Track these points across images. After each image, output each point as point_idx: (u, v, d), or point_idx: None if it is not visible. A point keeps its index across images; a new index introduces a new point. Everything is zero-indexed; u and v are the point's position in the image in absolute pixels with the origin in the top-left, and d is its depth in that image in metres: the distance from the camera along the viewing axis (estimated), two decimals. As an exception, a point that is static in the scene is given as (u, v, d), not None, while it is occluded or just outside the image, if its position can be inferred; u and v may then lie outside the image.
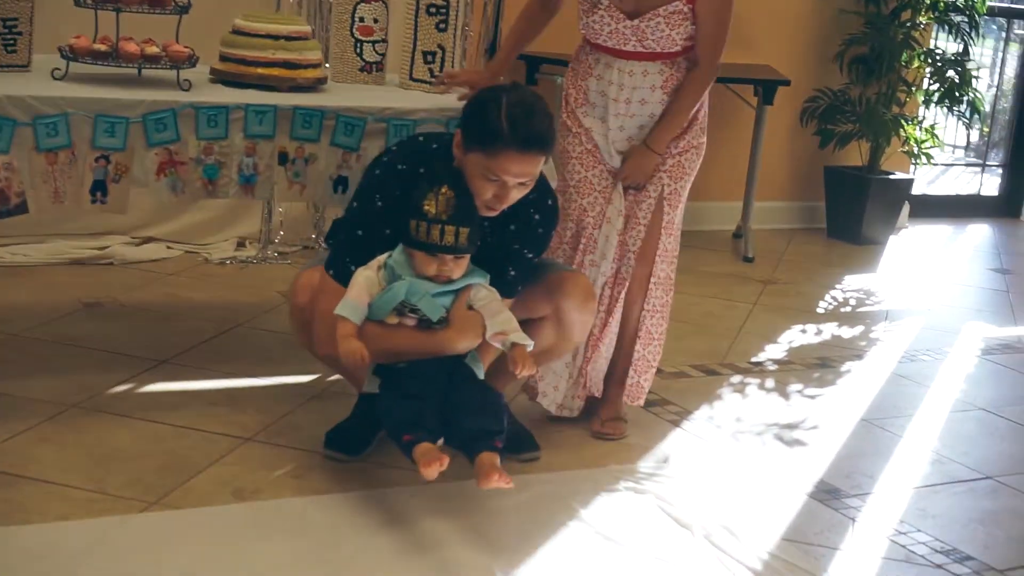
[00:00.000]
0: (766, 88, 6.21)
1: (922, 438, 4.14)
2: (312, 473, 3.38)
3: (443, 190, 3.05)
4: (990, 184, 8.48)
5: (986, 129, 8.39)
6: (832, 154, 7.03)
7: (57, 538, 2.89)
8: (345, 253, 3.24)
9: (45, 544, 2.84)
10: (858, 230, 7.00)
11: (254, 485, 3.27)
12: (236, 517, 3.12)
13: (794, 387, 4.51)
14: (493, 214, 3.22)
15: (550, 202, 3.41)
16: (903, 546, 3.33)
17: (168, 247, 5.34)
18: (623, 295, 3.76)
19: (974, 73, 6.99)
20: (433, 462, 2.91)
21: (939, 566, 3.23)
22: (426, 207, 3.04)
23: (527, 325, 3.34)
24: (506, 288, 3.30)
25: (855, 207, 7.01)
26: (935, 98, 6.94)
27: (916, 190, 7.64)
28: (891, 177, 7.07)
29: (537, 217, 3.36)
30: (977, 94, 6.98)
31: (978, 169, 8.51)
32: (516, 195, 3.20)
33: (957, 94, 6.91)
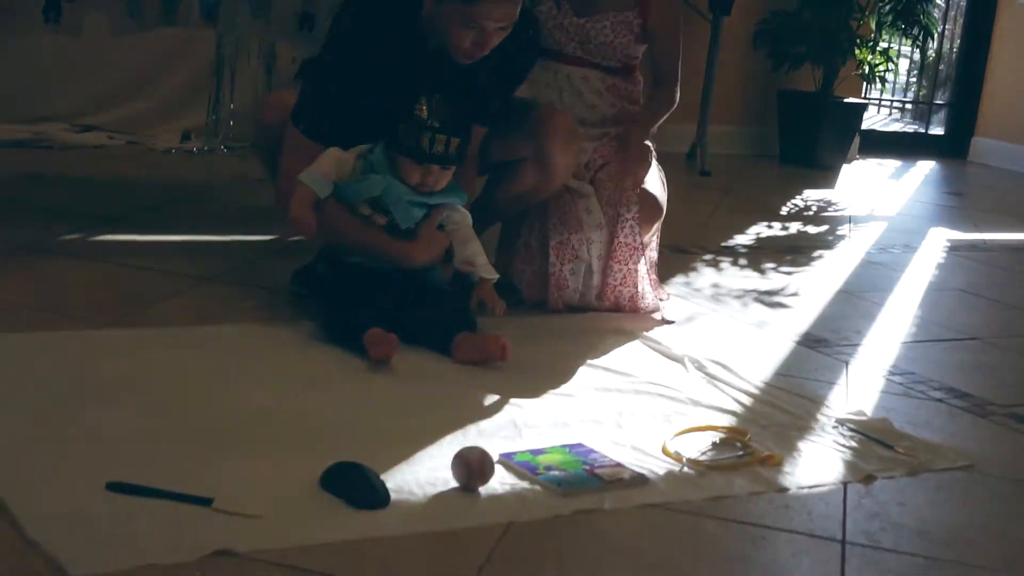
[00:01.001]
0: (723, -3, 6.07)
1: (903, 307, 4.02)
2: (281, 308, 3.17)
3: (436, 96, 2.89)
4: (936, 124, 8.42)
5: (932, 56, 8.32)
6: (786, 78, 6.92)
7: (15, 345, 2.66)
8: (314, 108, 3.03)
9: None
10: (812, 155, 6.90)
11: (220, 313, 3.06)
12: (203, 334, 2.91)
13: (768, 265, 4.39)
14: (471, 61, 3.04)
15: (531, 32, 3.25)
16: (899, 383, 3.20)
17: (109, 136, 5.08)
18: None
19: (928, -6, 6.91)
20: (385, 344, 2.76)
21: (938, 400, 3.09)
22: (417, 111, 2.88)
23: (510, 167, 3.18)
24: (489, 122, 3.15)
25: (809, 132, 6.91)
26: (888, 19, 6.84)
27: (864, 125, 7.57)
28: (845, 101, 6.97)
29: (514, 50, 3.18)
30: (931, 17, 6.90)
31: (923, 111, 8.44)
32: (496, 40, 3.02)
33: (910, 17, 6.80)
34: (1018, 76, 7.81)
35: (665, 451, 2.50)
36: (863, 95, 7.43)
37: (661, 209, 3.51)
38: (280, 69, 5.07)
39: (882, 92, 7.97)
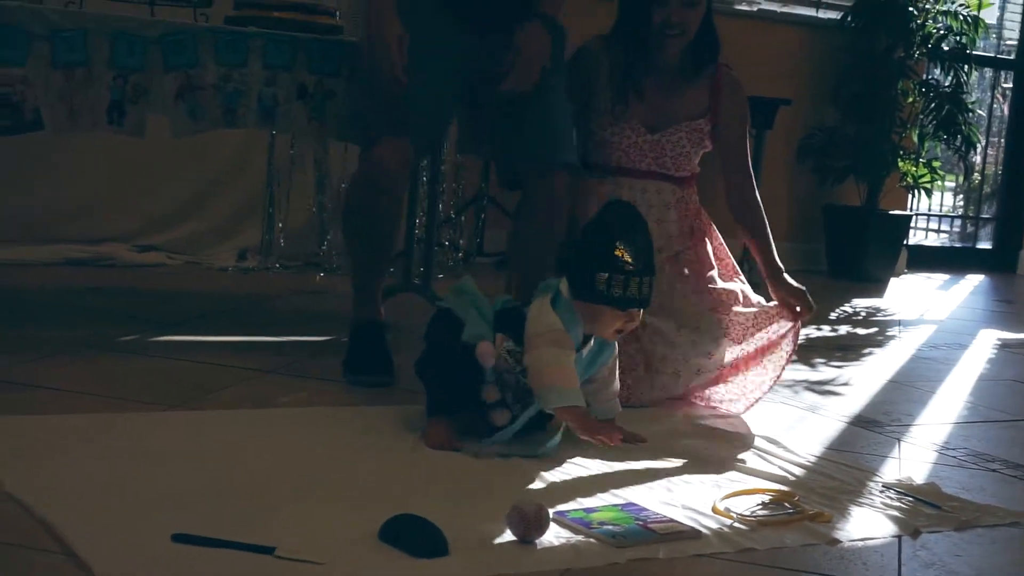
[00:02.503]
0: (766, 109, 6.17)
1: (955, 394, 4.02)
2: (339, 395, 3.23)
3: (639, 240, 2.73)
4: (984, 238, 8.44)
5: (977, 179, 8.38)
6: (830, 193, 7.00)
7: (81, 424, 2.73)
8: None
9: (64, 429, 2.69)
10: (860, 268, 6.94)
11: (277, 401, 3.12)
12: (261, 415, 2.97)
13: (818, 360, 4.41)
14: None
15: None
16: (953, 456, 3.20)
17: (169, 256, 5.21)
18: None
19: (969, 104, 6.99)
20: (447, 443, 2.77)
21: (992, 470, 3.10)
22: (622, 259, 2.71)
23: None
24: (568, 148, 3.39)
25: (856, 245, 6.95)
26: (930, 130, 6.92)
27: (912, 240, 7.61)
28: (891, 213, 7.03)
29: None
30: (972, 127, 6.98)
31: (971, 223, 8.47)
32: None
33: (952, 127, 6.89)
34: (1063, 187, 7.86)
35: (715, 510, 2.52)
36: (909, 208, 7.47)
37: None
38: (332, 184, 5.22)
39: (930, 207, 8.03)
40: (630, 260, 2.71)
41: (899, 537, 2.49)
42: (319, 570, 2.03)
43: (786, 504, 2.60)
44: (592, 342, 2.85)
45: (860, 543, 2.44)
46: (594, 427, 2.74)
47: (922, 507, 2.68)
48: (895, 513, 2.62)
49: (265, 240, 5.28)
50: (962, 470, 3.08)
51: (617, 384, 2.99)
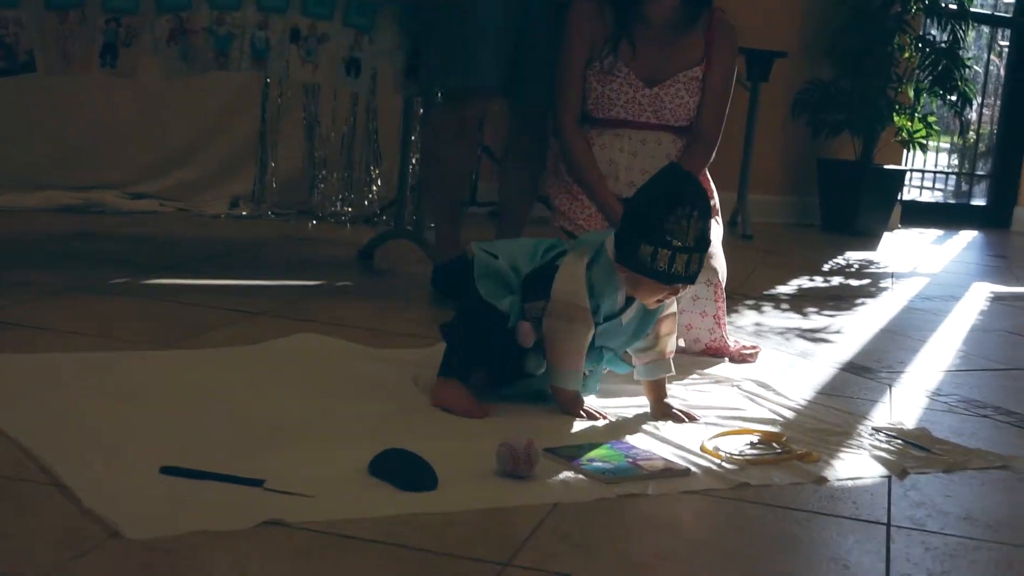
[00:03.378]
0: (762, 61, 6.15)
1: (947, 343, 4.03)
2: (332, 333, 3.21)
3: (694, 214, 2.56)
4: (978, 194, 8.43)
5: (972, 138, 8.36)
6: (825, 146, 6.98)
7: (75, 362, 2.73)
8: None
9: (55, 367, 2.70)
10: (853, 223, 6.92)
11: (270, 339, 3.11)
12: (255, 352, 2.97)
13: (810, 309, 4.40)
14: None
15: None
16: (944, 402, 3.20)
17: (160, 204, 5.19)
18: None
19: (966, 61, 6.96)
20: (474, 411, 2.65)
21: (984, 416, 3.10)
22: (672, 233, 2.55)
23: None
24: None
25: (849, 200, 6.94)
26: (926, 85, 6.90)
27: (906, 197, 7.59)
28: (885, 168, 7.01)
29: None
30: (968, 83, 6.96)
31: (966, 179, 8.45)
32: None
33: (948, 83, 6.86)
34: (1058, 144, 7.84)
35: (704, 449, 2.52)
36: (903, 163, 7.46)
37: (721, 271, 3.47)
38: (322, 132, 5.20)
39: (924, 163, 8.01)
40: (679, 235, 2.55)
41: (888, 478, 2.49)
42: (308, 503, 2.03)
43: (774, 444, 2.60)
44: (636, 306, 2.71)
45: (849, 483, 2.44)
46: (574, 410, 2.70)
47: (911, 450, 2.68)
48: (884, 455, 2.62)
49: (257, 187, 5.26)
50: (953, 415, 3.08)
51: (670, 345, 2.80)
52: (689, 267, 2.58)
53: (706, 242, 2.61)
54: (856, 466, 2.53)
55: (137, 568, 1.73)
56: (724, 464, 2.45)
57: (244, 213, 5.19)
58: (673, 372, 2.80)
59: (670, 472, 2.36)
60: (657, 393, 2.77)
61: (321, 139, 5.17)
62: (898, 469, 2.54)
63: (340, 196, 5.36)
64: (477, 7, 3.53)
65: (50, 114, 4.94)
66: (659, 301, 2.69)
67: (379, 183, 5.38)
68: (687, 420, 2.73)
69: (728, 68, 3.58)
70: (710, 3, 3.57)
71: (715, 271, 3.37)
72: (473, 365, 2.72)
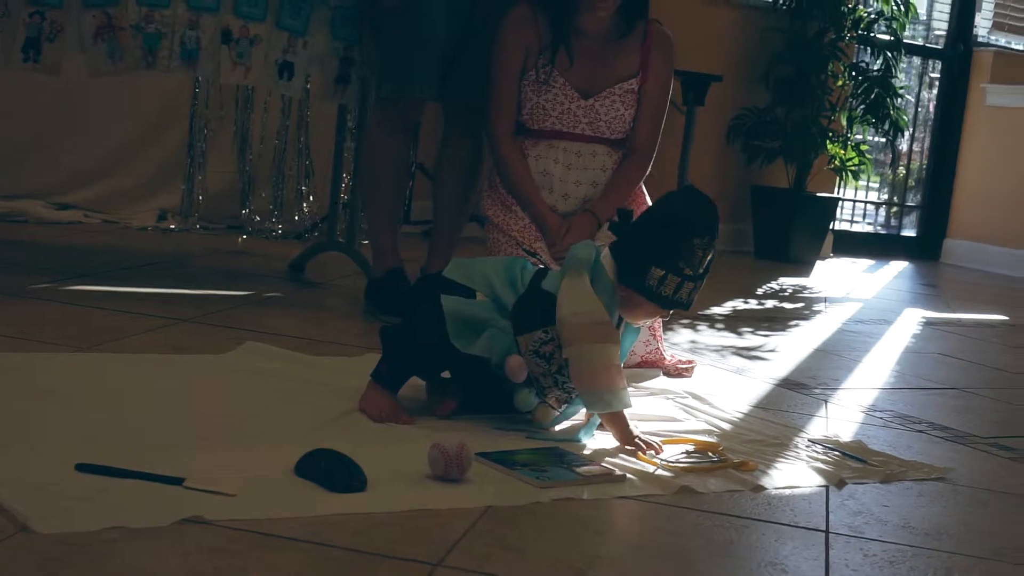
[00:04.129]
0: (698, 84, 6.13)
1: (882, 362, 4.01)
2: (262, 342, 3.12)
3: (710, 243, 2.51)
4: (908, 226, 8.48)
5: (903, 171, 8.41)
6: (759, 174, 6.99)
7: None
8: None
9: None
10: (786, 250, 6.93)
11: (194, 347, 3.02)
12: (176, 360, 2.87)
13: (744, 329, 4.37)
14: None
15: None
16: (880, 418, 3.17)
17: (85, 215, 5.08)
18: None
19: (898, 89, 7.00)
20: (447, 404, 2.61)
21: (919, 431, 3.07)
22: (685, 264, 2.49)
23: None
24: None
25: (783, 227, 6.95)
26: (859, 114, 6.94)
27: (838, 227, 7.62)
28: (818, 195, 7.03)
29: None
30: (900, 111, 7.00)
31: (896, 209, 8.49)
32: None
33: (880, 111, 6.90)
34: (988, 177, 7.91)
35: (640, 457, 2.46)
36: (835, 191, 7.49)
37: None
38: (253, 147, 5.12)
39: (855, 192, 8.06)
40: (692, 264, 2.48)
41: (826, 487, 2.45)
42: (230, 501, 1.95)
43: (710, 453, 2.55)
44: (623, 324, 2.62)
45: (787, 491, 2.40)
46: (634, 440, 2.51)
47: (848, 461, 2.65)
48: (821, 466, 2.58)
49: (185, 201, 5.16)
50: (888, 430, 3.05)
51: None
52: (692, 295, 2.53)
53: (708, 270, 2.54)
54: (793, 476, 2.49)
55: (47, 562, 1.64)
56: (659, 471, 2.38)
57: (172, 226, 5.09)
58: (630, 405, 2.56)
59: (605, 478, 2.30)
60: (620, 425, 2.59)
61: (252, 153, 5.08)
62: (835, 479, 2.50)
63: (271, 211, 5.27)
64: (421, 18, 3.47)
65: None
66: (643, 322, 2.63)
67: (311, 198, 5.31)
68: (653, 452, 2.52)
69: (665, 79, 3.54)
70: (645, 15, 3.53)
71: None
72: (406, 376, 2.63)
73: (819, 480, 2.48)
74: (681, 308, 2.55)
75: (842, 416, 3.12)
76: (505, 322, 2.55)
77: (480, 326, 2.54)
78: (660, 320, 3.33)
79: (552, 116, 3.46)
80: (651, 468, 2.39)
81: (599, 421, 2.58)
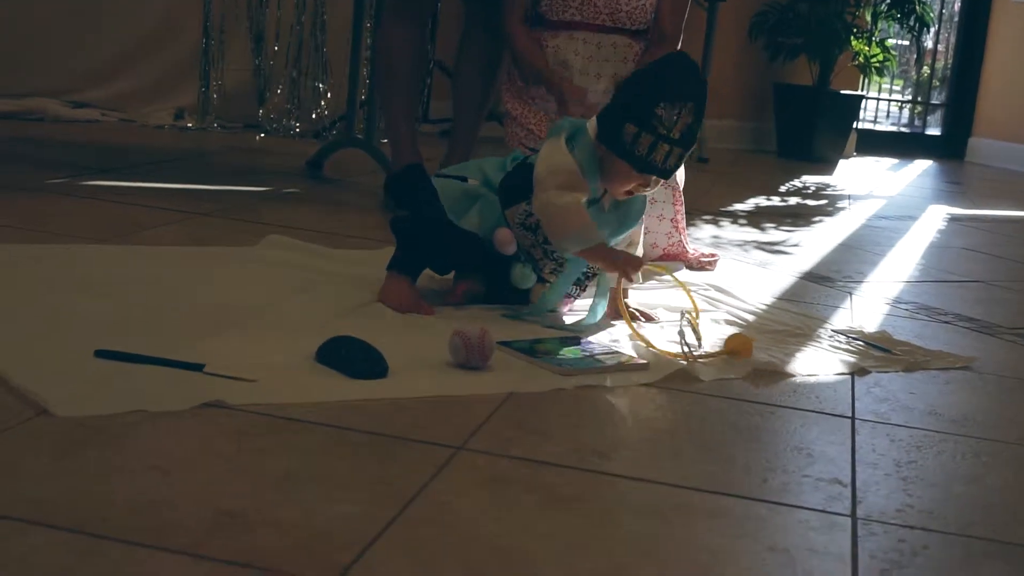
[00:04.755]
0: (719, -23, 6.03)
1: (906, 256, 3.97)
2: (286, 235, 3.09)
3: (689, 107, 2.43)
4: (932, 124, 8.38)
5: (927, 71, 8.29)
6: (781, 71, 6.90)
7: (2, 255, 2.61)
8: None
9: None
10: (809, 149, 6.85)
11: (214, 238, 3.00)
12: (197, 251, 2.85)
13: (767, 224, 4.33)
14: None
15: None
16: (905, 309, 3.14)
17: (102, 113, 5.04)
18: None
19: (924, -17, 6.88)
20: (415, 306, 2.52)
21: (945, 322, 3.03)
22: (660, 120, 2.43)
23: None
24: None
25: (806, 126, 6.86)
26: (883, 9, 6.82)
27: (860, 126, 7.53)
28: (842, 93, 6.94)
29: None
30: (925, 6, 6.88)
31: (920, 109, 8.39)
32: None
33: (906, 6, 6.78)
34: (1014, 75, 7.78)
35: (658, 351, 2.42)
36: (860, 89, 7.39)
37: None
38: (267, 47, 5.07)
39: (880, 89, 7.94)
40: (667, 124, 2.42)
41: (851, 375, 2.42)
42: (251, 387, 1.93)
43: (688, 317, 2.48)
44: (606, 198, 2.58)
45: (812, 379, 2.37)
46: (618, 260, 2.51)
47: (871, 350, 2.61)
48: (844, 355, 2.55)
49: (201, 100, 5.12)
50: (914, 321, 3.02)
51: (637, 252, 2.71)
52: (667, 160, 2.46)
53: (692, 140, 2.49)
54: (815, 363, 2.46)
55: (67, 445, 1.62)
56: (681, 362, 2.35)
57: (189, 125, 5.05)
58: (603, 239, 2.57)
59: (628, 366, 2.28)
60: (615, 295, 2.63)
61: (265, 55, 5.03)
62: (857, 368, 2.47)
63: (288, 109, 5.23)
64: None
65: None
66: (628, 193, 2.57)
67: (328, 96, 5.25)
68: (644, 320, 2.62)
69: None
70: None
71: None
72: (421, 264, 2.60)
73: (841, 368, 2.45)
74: (657, 173, 2.48)
75: (867, 308, 3.09)
76: (495, 196, 2.56)
77: (470, 200, 2.56)
78: (681, 212, 3.30)
79: (572, 7, 3.39)
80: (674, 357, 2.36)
81: (604, 302, 2.57)
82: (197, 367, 1.98)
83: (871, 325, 2.88)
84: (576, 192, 2.49)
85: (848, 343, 2.65)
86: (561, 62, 3.39)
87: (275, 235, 2.99)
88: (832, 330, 2.75)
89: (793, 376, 2.36)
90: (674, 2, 3.46)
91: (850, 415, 2.17)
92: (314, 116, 5.27)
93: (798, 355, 2.50)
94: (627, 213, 2.64)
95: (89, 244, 2.77)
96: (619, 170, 2.50)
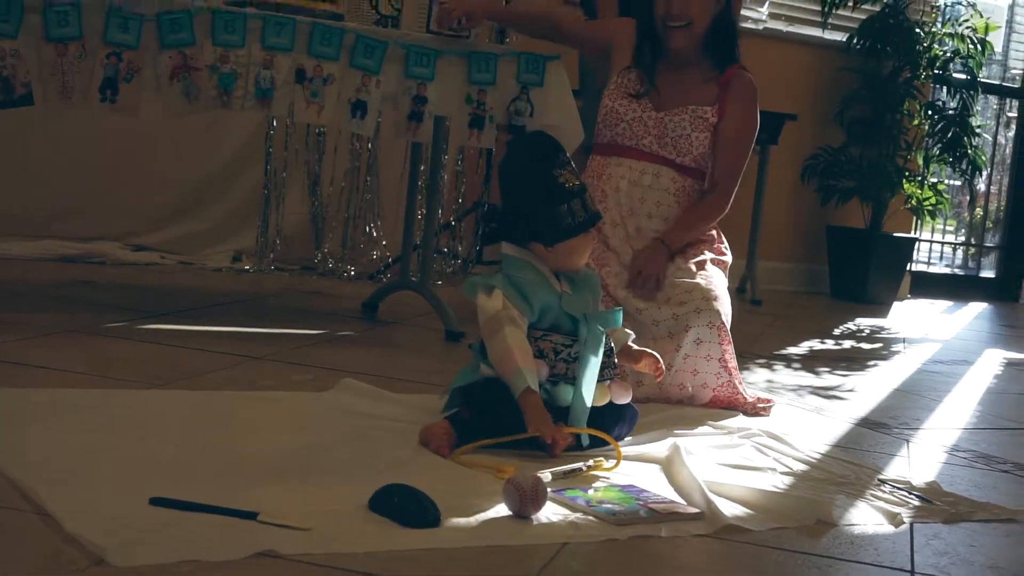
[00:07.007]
0: (772, 123, 6.08)
1: (963, 402, 3.93)
2: (334, 381, 3.11)
3: (562, 152, 2.64)
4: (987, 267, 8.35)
5: (980, 212, 8.29)
6: (834, 213, 6.92)
7: (68, 398, 2.63)
8: None
9: (48, 402, 2.59)
10: (863, 291, 6.84)
11: (271, 385, 3.02)
12: (255, 396, 2.86)
13: (822, 369, 4.31)
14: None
15: None
16: (963, 457, 3.10)
17: (161, 256, 5.12)
18: None
19: (975, 128, 6.91)
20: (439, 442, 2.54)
21: (1004, 471, 3.00)
22: (566, 180, 2.60)
23: None
24: None
25: (859, 268, 6.85)
26: (936, 153, 6.85)
27: (914, 268, 7.52)
28: (895, 235, 6.94)
29: None
30: (978, 150, 6.90)
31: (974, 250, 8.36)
32: None
33: (958, 150, 6.81)
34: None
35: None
36: (913, 231, 7.39)
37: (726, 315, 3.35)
38: (322, 189, 5.16)
39: (932, 230, 7.95)
40: (570, 178, 2.61)
41: (912, 524, 2.39)
42: (304, 535, 1.93)
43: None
44: (563, 278, 2.68)
45: (870, 530, 2.34)
46: (544, 424, 2.52)
47: (912, 500, 2.57)
48: (882, 504, 2.51)
49: (260, 242, 5.20)
50: (972, 470, 2.98)
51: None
52: (590, 206, 2.64)
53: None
54: (852, 513, 2.42)
55: (121, 595, 1.62)
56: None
57: (247, 267, 5.12)
58: (633, 335, 2.79)
59: (682, 516, 2.26)
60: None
61: (322, 196, 5.13)
62: (893, 517, 2.42)
63: (342, 251, 5.30)
64: None
65: (49, 162, 4.88)
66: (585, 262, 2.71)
67: (382, 240, 5.33)
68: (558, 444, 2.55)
69: (739, 119, 3.52)
70: (733, 55, 3.52)
71: (717, 313, 3.27)
72: (479, 434, 2.55)
73: (878, 517, 2.41)
74: (596, 219, 2.65)
75: (925, 456, 3.06)
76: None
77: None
78: (730, 351, 3.27)
79: (623, 122, 3.48)
80: (730, 504, 2.34)
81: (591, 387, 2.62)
82: (251, 515, 1.99)
83: (927, 474, 2.85)
84: (504, 331, 2.55)
85: (891, 492, 2.61)
86: (602, 191, 3.47)
87: (349, 379, 3.00)
88: (879, 479, 2.71)
89: (852, 527, 2.32)
90: (725, 153, 3.50)
91: (909, 568, 2.14)
92: (374, 257, 5.34)
93: (837, 503, 2.45)
94: (585, 282, 2.71)
95: (147, 390, 2.79)
96: (576, 247, 2.64)
